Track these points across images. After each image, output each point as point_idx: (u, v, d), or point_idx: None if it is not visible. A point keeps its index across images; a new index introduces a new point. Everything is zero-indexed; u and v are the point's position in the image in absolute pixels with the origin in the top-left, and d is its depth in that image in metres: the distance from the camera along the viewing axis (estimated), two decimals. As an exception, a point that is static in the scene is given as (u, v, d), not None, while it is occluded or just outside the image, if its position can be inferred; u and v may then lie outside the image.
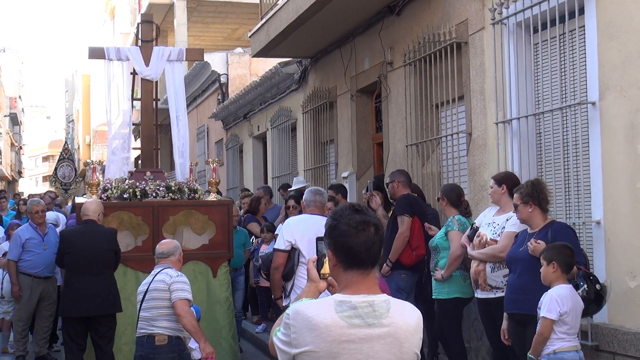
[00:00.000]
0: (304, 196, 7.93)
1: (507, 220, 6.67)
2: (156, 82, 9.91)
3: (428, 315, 8.58)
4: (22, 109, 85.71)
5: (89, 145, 60.23)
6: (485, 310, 6.87)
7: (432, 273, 7.76)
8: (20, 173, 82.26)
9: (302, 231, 7.10)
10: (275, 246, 7.51)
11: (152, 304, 6.61)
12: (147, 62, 9.51)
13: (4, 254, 10.06)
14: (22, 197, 20.12)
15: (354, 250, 2.81)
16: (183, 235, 8.83)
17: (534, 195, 6.06)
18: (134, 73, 9.73)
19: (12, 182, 72.52)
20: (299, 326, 2.75)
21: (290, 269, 7.13)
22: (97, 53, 9.67)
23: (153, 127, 9.93)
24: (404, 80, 10.06)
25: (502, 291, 6.54)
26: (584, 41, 6.78)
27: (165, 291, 6.58)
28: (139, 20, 9.96)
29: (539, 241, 5.90)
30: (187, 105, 24.25)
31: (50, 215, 10.97)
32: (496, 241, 6.63)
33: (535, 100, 7.66)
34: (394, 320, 2.81)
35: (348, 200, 9.83)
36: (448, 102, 9.05)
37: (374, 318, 2.78)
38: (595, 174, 6.61)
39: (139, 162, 10.12)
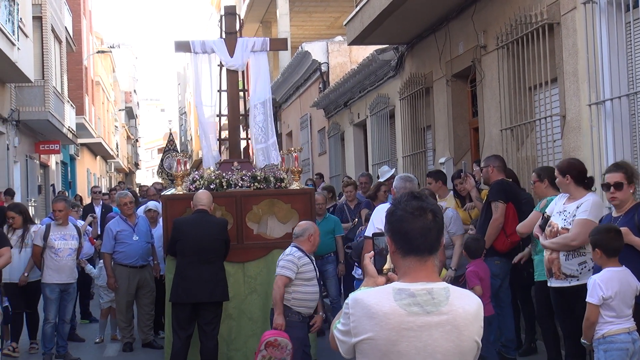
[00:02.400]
0: (394, 183, 7.94)
1: (578, 207, 6.50)
2: (242, 72, 10.01)
3: (524, 300, 8.51)
4: (137, 103, 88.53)
5: (198, 136, 61.59)
6: (560, 299, 6.72)
7: (532, 258, 7.64)
8: (137, 165, 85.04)
9: (393, 218, 7.10)
10: (365, 233, 7.55)
11: None
12: (231, 53, 9.62)
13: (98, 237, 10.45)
14: (141, 188, 20.87)
15: (410, 235, 2.81)
16: (268, 224, 8.94)
17: (632, 176, 5.93)
18: (221, 65, 9.87)
19: (129, 174, 75.04)
20: (358, 315, 2.78)
21: (380, 256, 7.15)
22: (183, 46, 9.84)
23: (239, 118, 10.05)
24: (497, 64, 9.92)
25: (577, 279, 6.42)
26: (678, 17, 6.55)
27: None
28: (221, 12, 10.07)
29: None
30: (291, 95, 24.79)
31: (155, 205, 11.25)
32: (567, 230, 6.48)
33: (629, 80, 7.43)
34: (453, 308, 2.79)
35: (448, 186, 9.72)
36: (542, 84, 8.88)
37: (432, 306, 2.77)
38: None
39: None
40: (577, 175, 6.60)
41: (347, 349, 2.84)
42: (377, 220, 7.15)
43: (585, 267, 6.45)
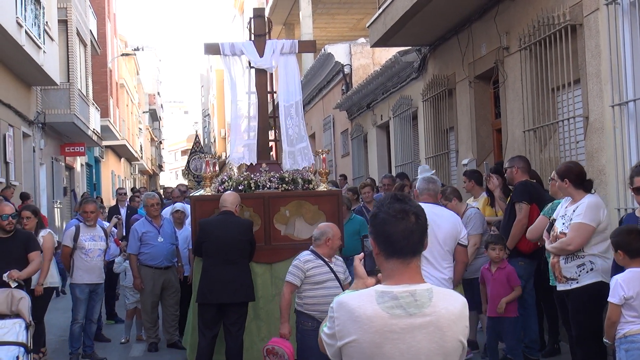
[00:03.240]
0: (417, 184, 7.97)
1: (574, 211, 6.53)
2: (271, 74, 10.07)
3: (547, 302, 8.51)
4: (161, 105, 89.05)
5: (224, 138, 61.83)
6: (562, 302, 6.84)
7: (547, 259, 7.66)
8: (160, 167, 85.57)
9: (415, 219, 7.13)
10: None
11: None
12: (261, 55, 9.66)
13: (123, 238, 10.55)
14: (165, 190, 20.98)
15: (392, 238, 2.83)
16: (295, 225, 8.99)
17: None
18: (250, 67, 9.88)
19: (153, 176, 75.50)
20: (342, 318, 2.80)
21: (404, 259, 7.18)
22: (212, 49, 9.90)
23: (269, 120, 10.12)
24: (520, 65, 9.93)
25: (577, 282, 6.48)
26: (701, 18, 6.54)
27: None
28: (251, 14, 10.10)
29: None
30: (314, 97, 24.85)
31: (182, 206, 11.36)
32: (565, 234, 6.52)
33: (652, 81, 7.44)
34: (436, 309, 2.80)
35: (483, 186, 9.72)
36: (564, 85, 8.88)
37: (415, 308, 2.78)
38: None
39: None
40: (575, 179, 6.64)
41: (333, 352, 2.87)
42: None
43: (583, 269, 6.50)
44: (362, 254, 3.09)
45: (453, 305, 2.85)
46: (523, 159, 8.51)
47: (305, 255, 7.20)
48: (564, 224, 6.62)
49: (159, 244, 10.10)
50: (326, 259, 7.19)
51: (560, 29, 8.74)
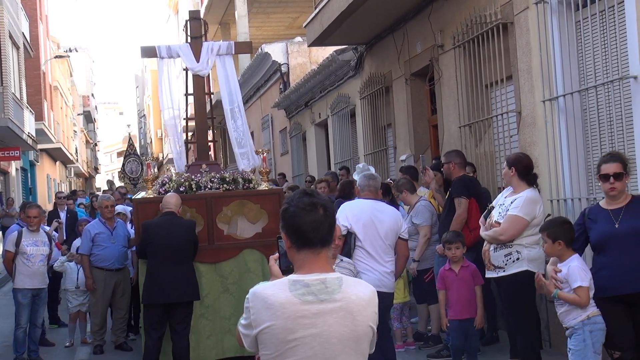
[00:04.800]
0: (358, 181, 8.12)
1: (512, 202, 6.78)
2: (208, 76, 10.15)
3: (487, 293, 8.76)
4: (96, 107, 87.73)
5: (161, 139, 61.38)
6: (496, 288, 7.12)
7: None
8: (96, 169, 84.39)
9: (356, 215, 7.28)
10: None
11: None
12: (197, 58, 9.75)
13: (77, 249, 10.55)
14: (96, 194, 20.88)
15: (302, 229, 2.96)
16: (238, 224, 9.09)
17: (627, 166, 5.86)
18: (186, 69, 10.00)
19: (89, 179, 74.45)
20: (257, 307, 2.91)
21: (347, 253, 7.30)
22: (149, 52, 9.95)
23: (207, 121, 10.20)
24: (454, 63, 10.19)
25: (504, 270, 6.75)
26: (624, 17, 6.84)
27: None
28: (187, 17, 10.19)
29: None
30: (252, 96, 24.90)
31: (121, 208, 11.38)
32: (499, 223, 6.77)
33: (580, 76, 7.73)
34: (345, 295, 2.94)
35: (419, 181, 9.94)
36: (497, 82, 9.16)
37: (326, 294, 2.92)
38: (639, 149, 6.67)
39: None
40: (523, 170, 6.89)
41: (250, 342, 3.00)
42: (342, 217, 7.31)
43: (510, 258, 6.75)
44: (276, 253, 3.19)
45: (362, 292, 3.01)
46: (459, 154, 8.72)
47: None
48: (500, 213, 6.85)
49: (111, 246, 10.09)
50: None
51: (492, 27, 9.00)
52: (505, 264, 6.73)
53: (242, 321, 3.01)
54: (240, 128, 9.87)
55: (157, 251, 8.34)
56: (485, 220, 7.06)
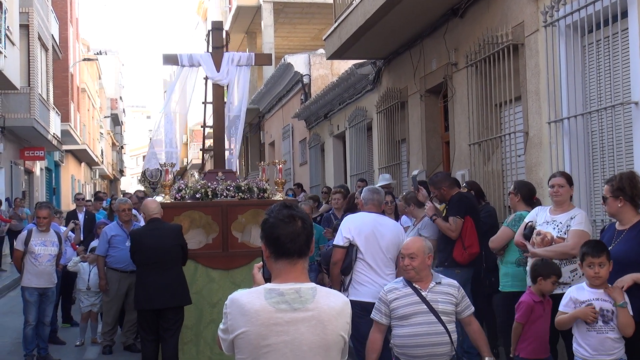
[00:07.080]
0: (362, 194, 8.22)
1: (572, 218, 6.68)
2: (227, 86, 10.35)
3: (486, 309, 8.85)
4: (123, 110, 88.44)
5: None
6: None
7: (492, 267, 7.97)
8: (121, 172, 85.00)
9: (359, 228, 7.40)
10: (334, 242, 7.84)
11: None
12: (217, 67, 9.92)
13: (92, 249, 10.77)
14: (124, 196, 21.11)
15: (280, 240, 3.09)
16: (251, 233, 9.24)
17: (626, 189, 5.80)
18: (206, 78, 10.17)
19: (114, 181, 75.06)
20: (234, 313, 3.06)
21: (349, 264, 7.41)
22: (170, 59, 10.12)
23: (224, 130, 10.36)
24: (467, 81, 10.33)
25: (570, 286, 6.62)
26: (628, 43, 6.95)
27: None
28: (209, 27, 10.40)
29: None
30: (274, 105, 25.12)
31: (135, 212, 11.61)
32: (563, 239, 6.63)
33: (585, 99, 7.84)
34: (318, 305, 3.06)
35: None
36: (507, 102, 9.27)
37: (299, 303, 3.04)
38: None
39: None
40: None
41: (227, 346, 3.14)
42: (345, 230, 7.46)
43: (576, 274, 6.65)
44: (260, 262, 3.33)
45: (335, 302, 3.14)
46: (444, 176, 8.67)
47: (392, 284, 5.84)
48: (557, 229, 6.67)
49: (126, 248, 10.25)
50: (417, 286, 5.60)
51: (503, 47, 9.13)
52: (572, 280, 6.66)
53: (221, 326, 3.16)
54: (238, 136, 10.13)
55: (145, 258, 8.49)
56: (527, 239, 6.88)
